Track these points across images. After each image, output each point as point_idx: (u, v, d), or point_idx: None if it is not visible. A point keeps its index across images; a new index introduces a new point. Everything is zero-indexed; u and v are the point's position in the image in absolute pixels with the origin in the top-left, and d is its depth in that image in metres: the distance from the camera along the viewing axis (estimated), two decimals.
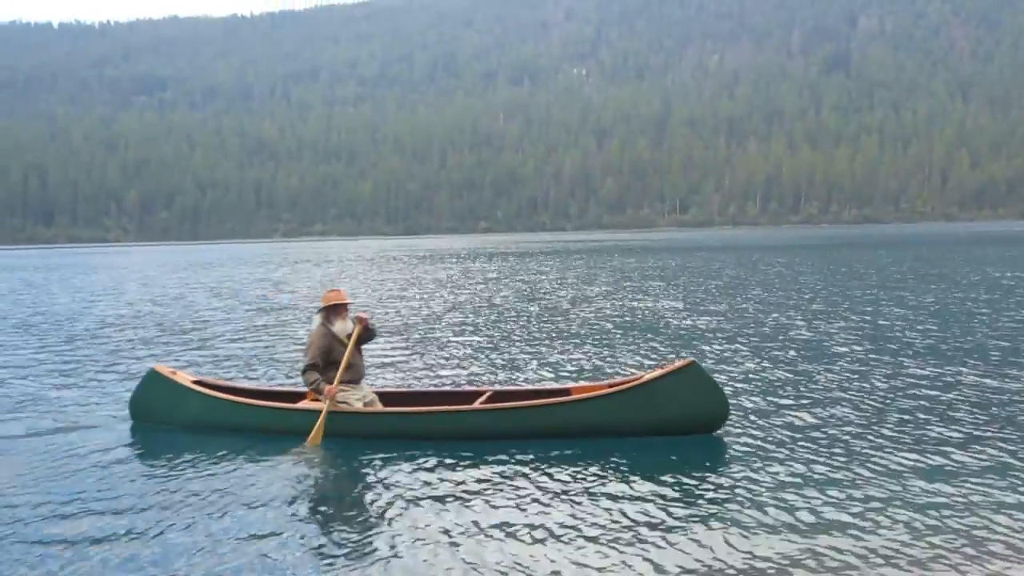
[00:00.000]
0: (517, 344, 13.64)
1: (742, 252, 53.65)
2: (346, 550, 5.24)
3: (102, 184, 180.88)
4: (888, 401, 8.74)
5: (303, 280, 34.08)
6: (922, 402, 8.67)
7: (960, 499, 5.71)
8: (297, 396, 8.77)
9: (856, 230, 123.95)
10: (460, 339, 14.52)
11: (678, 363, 7.95)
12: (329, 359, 8.24)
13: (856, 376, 10.06)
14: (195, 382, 8.85)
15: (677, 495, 6.04)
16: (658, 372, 7.98)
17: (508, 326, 16.26)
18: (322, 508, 6.16)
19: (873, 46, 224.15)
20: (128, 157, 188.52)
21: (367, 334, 8.47)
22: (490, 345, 13.74)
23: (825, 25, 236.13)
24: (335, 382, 8.06)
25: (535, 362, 11.73)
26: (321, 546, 5.32)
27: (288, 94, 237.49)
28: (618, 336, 14.33)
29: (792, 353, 11.90)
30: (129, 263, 62.44)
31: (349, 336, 8.32)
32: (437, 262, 49.76)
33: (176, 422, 8.58)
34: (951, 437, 7.32)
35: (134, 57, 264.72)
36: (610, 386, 8.32)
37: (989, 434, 7.40)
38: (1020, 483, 5.99)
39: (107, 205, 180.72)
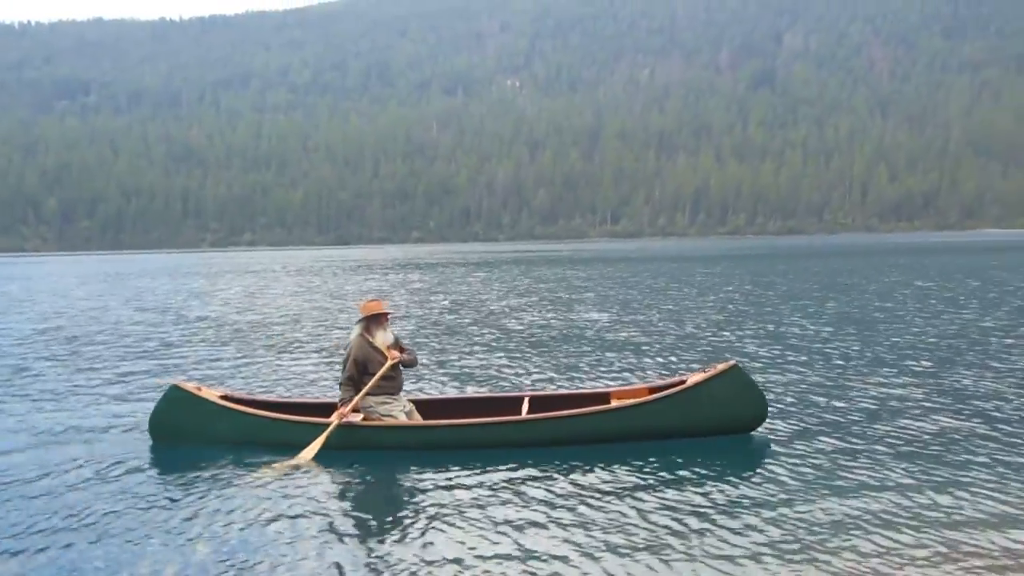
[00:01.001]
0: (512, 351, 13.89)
1: (672, 263, 54.63)
2: (389, 565, 5.18)
3: (19, 191, 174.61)
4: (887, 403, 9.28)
5: (220, 292, 33.57)
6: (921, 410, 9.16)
7: (992, 506, 5.78)
8: (329, 409, 8.50)
9: (781, 241, 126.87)
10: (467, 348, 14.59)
11: (721, 366, 8.13)
12: (367, 371, 8.15)
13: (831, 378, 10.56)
14: (222, 397, 8.58)
15: (732, 495, 6.19)
16: (702, 376, 8.09)
17: (468, 337, 16.52)
18: (364, 523, 6.01)
19: (798, 64, 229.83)
20: (48, 163, 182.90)
21: (407, 364, 8.43)
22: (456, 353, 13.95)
23: (752, 43, 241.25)
24: (360, 395, 8.01)
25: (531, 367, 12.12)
26: (361, 560, 5.25)
27: (217, 100, 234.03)
28: (592, 345, 14.70)
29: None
30: (45, 274, 61.09)
31: (389, 347, 8.25)
32: (372, 272, 49.69)
33: (202, 440, 8.25)
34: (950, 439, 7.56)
35: (56, 59, 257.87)
36: (651, 390, 8.49)
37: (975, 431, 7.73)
38: None
39: (25, 213, 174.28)
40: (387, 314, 8.39)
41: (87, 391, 10.77)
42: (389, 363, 8.04)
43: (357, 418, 8.01)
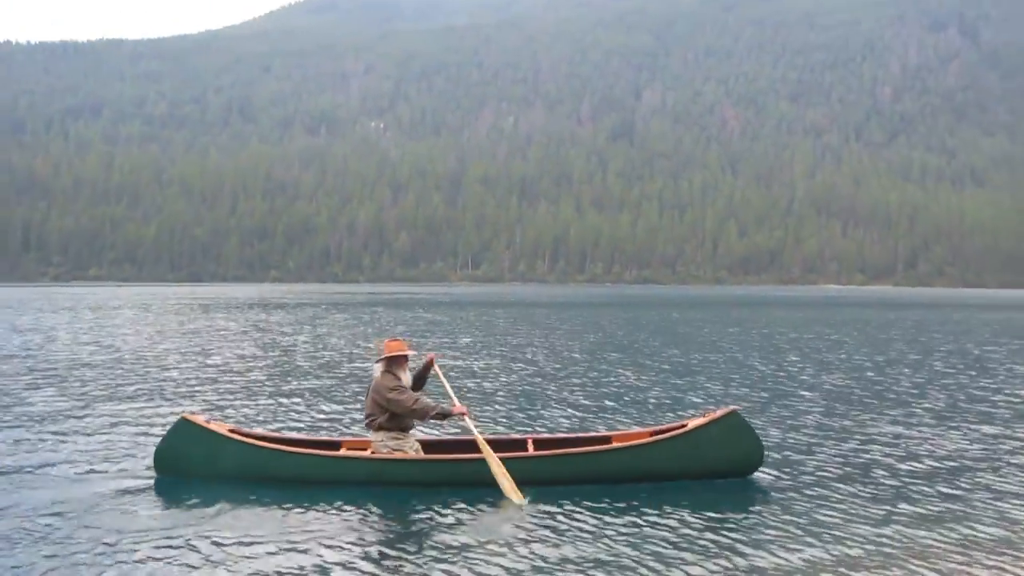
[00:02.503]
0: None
1: (526, 307, 54.98)
2: None
3: None
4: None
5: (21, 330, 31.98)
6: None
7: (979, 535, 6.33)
8: (334, 445, 8.67)
9: (636, 289, 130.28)
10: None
11: (720, 411, 8.45)
12: (387, 408, 8.23)
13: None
14: (231, 431, 8.51)
15: (730, 537, 6.46)
16: (702, 420, 8.38)
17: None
18: (381, 559, 6.10)
19: (655, 119, 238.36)
20: None
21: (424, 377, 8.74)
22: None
23: (613, 96, 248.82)
24: (457, 401, 8.34)
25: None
26: None
27: (66, 129, 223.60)
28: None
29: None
30: None
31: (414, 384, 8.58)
32: (221, 311, 48.20)
33: (212, 474, 8.18)
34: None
35: None
36: (652, 433, 8.74)
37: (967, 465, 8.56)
38: None
39: None
40: (407, 355, 8.45)
41: None
42: (436, 369, 8.70)
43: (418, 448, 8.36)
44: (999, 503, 7.53)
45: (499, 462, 7.80)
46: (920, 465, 8.98)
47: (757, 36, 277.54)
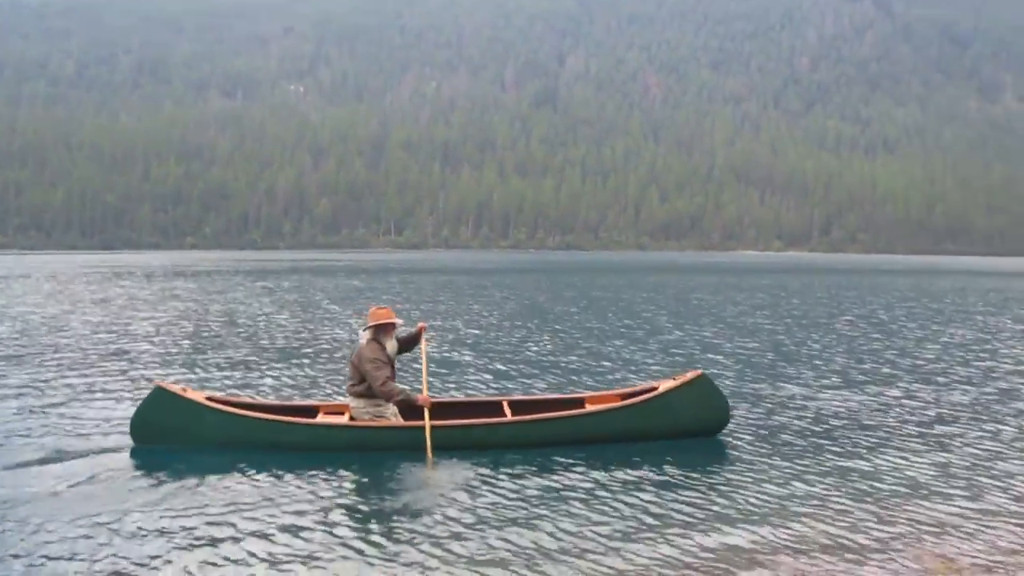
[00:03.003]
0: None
1: (452, 274, 54.71)
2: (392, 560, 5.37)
3: None
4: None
5: None
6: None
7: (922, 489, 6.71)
8: (312, 411, 8.74)
9: (560, 255, 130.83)
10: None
11: (689, 374, 8.86)
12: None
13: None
14: (208, 399, 8.51)
15: (697, 493, 6.83)
16: (673, 383, 8.80)
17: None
18: (368, 522, 6.16)
19: (578, 85, 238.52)
20: None
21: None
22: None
23: (536, 62, 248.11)
24: (425, 390, 8.34)
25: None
26: (351, 558, 5.39)
27: None
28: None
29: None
30: None
31: (397, 353, 8.60)
32: (147, 280, 46.88)
33: (189, 442, 8.16)
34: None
35: None
36: (622, 396, 9.12)
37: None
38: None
39: None
40: (395, 323, 8.47)
41: None
42: (424, 339, 8.69)
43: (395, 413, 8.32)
44: (908, 455, 7.98)
45: (431, 440, 7.87)
46: (853, 420, 9.45)
47: (679, 4, 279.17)
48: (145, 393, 8.72)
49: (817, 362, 13.87)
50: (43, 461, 7.71)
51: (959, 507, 6.28)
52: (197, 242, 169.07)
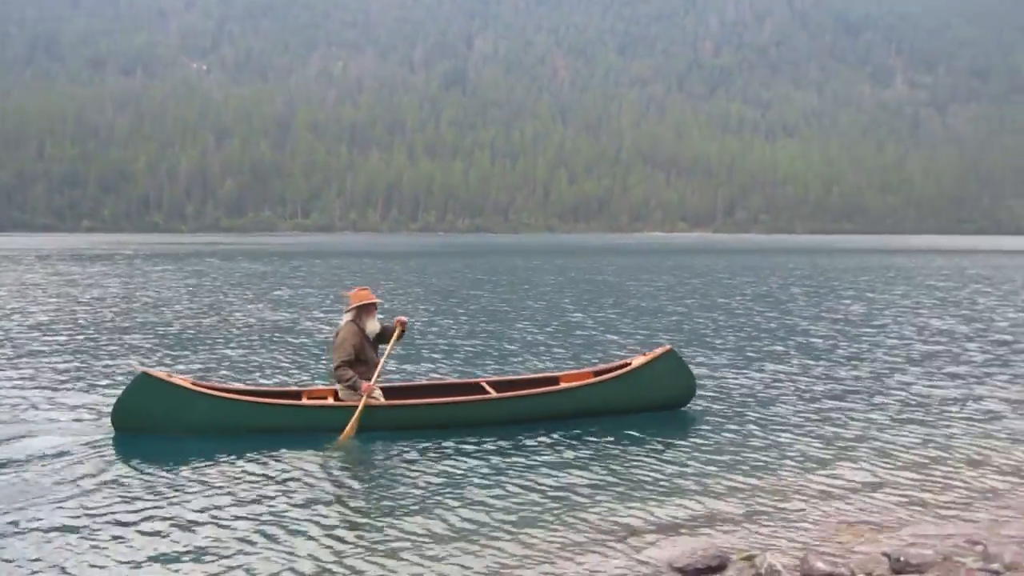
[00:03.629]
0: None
1: (360, 257, 54.63)
2: (381, 538, 5.54)
3: None
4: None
5: None
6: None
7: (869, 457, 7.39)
8: (296, 395, 8.76)
9: (470, 238, 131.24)
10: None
11: (659, 350, 9.27)
12: (360, 357, 8.36)
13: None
14: (195, 384, 8.43)
15: (669, 460, 7.32)
16: (644, 359, 9.17)
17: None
18: (356, 500, 6.32)
19: (487, 67, 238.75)
20: None
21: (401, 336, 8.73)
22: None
23: (445, 43, 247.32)
24: (373, 380, 8.25)
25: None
26: (356, 538, 5.53)
27: None
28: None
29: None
30: None
31: (377, 335, 8.59)
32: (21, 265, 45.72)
33: (174, 429, 8.02)
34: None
35: None
36: (595, 372, 9.43)
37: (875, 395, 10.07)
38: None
39: None
40: (376, 303, 8.60)
41: None
42: (400, 329, 8.60)
43: (379, 396, 8.47)
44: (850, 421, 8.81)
45: (356, 420, 7.97)
46: (781, 395, 10.23)
47: None
48: (106, 380, 8.68)
49: (774, 340, 14.76)
50: (24, 442, 7.71)
51: (844, 475, 6.88)
52: (95, 225, 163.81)
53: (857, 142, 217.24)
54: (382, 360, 8.54)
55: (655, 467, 7.11)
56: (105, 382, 10.55)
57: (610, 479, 6.77)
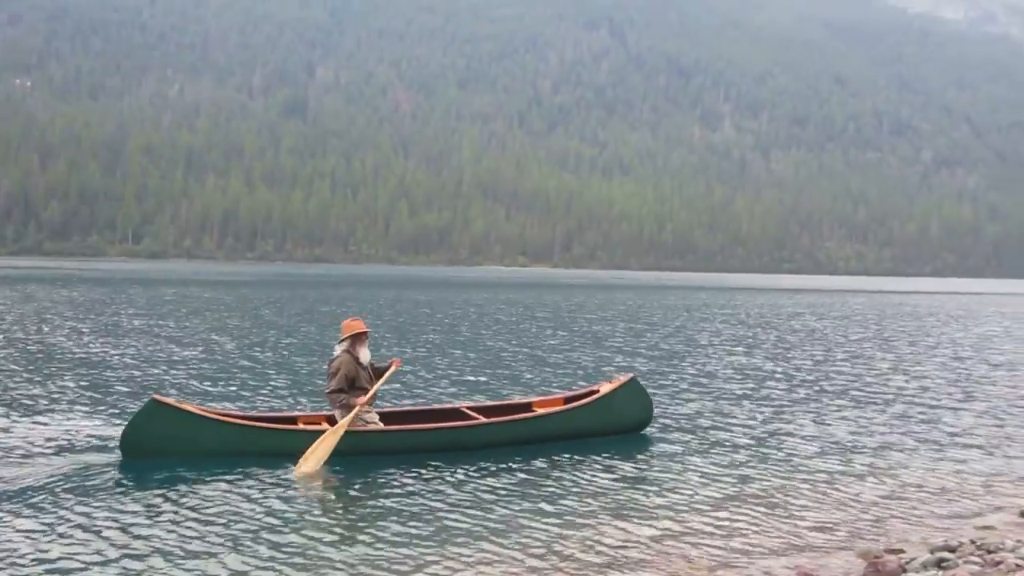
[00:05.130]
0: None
1: (188, 286, 53.62)
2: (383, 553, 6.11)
3: None
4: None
5: None
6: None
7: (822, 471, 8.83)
8: (292, 420, 9.29)
9: (310, 268, 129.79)
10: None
11: (623, 378, 10.31)
12: (355, 384, 8.98)
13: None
14: (202, 410, 8.89)
15: (633, 481, 8.37)
16: (611, 386, 10.15)
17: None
18: (352, 521, 6.91)
19: (329, 97, 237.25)
20: None
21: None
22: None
23: (286, 70, 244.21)
24: (362, 404, 8.89)
25: None
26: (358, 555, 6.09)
27: None
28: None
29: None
30: None
31: (370, 364, 9.21)
32: None
33: (182, 453, 8.39)
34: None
35: None
36: (565, 399, 10.28)
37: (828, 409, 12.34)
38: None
39: None
40: (367, 332, 9.25)
41: None
42: (395, 367, 9.37)
43: (376, 421, 9.14)
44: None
45: (328, 445, 8.45)
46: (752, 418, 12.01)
47: (428, 22, 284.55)
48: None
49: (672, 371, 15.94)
50: (31, 468, 8.03)
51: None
52: None
53: (688, 182, 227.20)
54: (375, 387, 9.08)
55: (630, 488, 8.15)
56: None
57: (593, 501, 7.70)
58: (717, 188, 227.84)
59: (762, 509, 7.57)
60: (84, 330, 22.96)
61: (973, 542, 6.62)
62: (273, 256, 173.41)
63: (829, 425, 11.30)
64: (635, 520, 7.24)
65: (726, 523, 7.19)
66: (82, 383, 13.98)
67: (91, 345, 19.38)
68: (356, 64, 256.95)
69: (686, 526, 7.11)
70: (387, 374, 9.32)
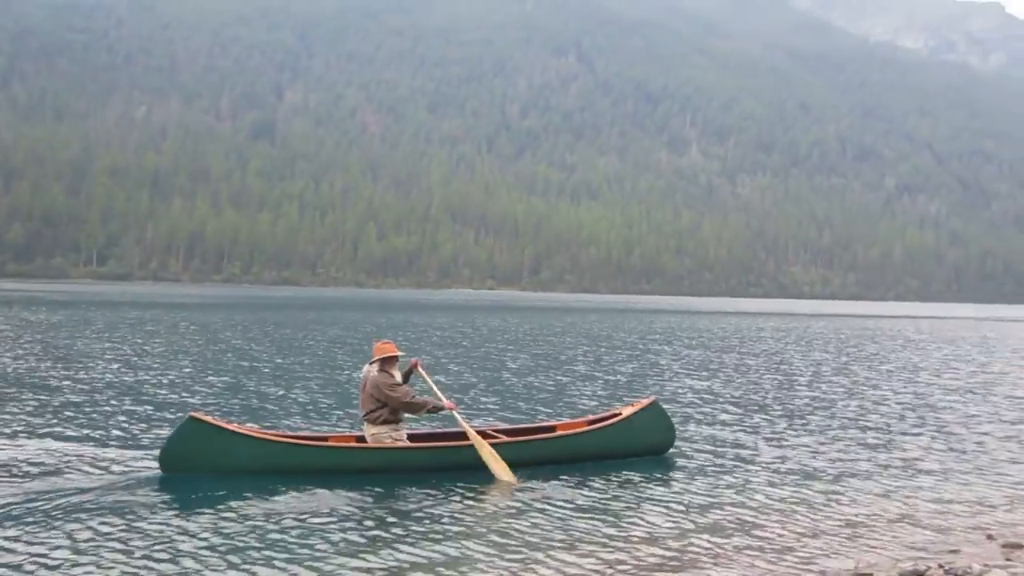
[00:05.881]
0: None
1: (153, 308, 53.21)
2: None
3: None
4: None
5: None
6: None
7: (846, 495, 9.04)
8: (323, 439, 9.53)
9: (279, 291, 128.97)
10: None
11: (644, 401, 10.47)
12: (386, 404, 9.19)
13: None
14: (240, 428, 9.14)
15: (655, 504, 8.46)
16: (634, 408, 10.31)
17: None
18: (387, 536, 7.13)
19: (297, 119, 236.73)
20: None
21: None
22: None
23: (254, 93, 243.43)
24: (451, 406, 9.40)
25: None
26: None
27: None
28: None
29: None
30: None
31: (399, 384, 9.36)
32: None
33: (221, 469, 8.59)
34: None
35: None
36: (588, 422, 10.43)
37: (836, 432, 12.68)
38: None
39: None
40: (397, 356, 9.44)
41: None
42: (420, 370, 9.79)
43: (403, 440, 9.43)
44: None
45: (490, 449, 8.94)
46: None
47: (398, 46, 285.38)
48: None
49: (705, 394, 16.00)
50: (72, 484, 8.21)
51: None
52: None
53: (656, 206, 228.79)
54: (433, 385, 9.71)
55: (656, 510, 8.33)
56: None
57: (626, 522, 7.90)
58: (684, 212, 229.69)
59: (723, 537, 7.62)
60: (97, 352, 22.71)
61: (941, 566, 6.73)
62: (240, 279, 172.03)
63: (792, 450, 11.48)
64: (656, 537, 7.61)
65: (680, 552, 7.27)
66: (97, 405, 13.83)
67: (105, 368, 19.19)
68: (325, 87, 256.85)
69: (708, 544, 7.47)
70: (425, 376, 9.89)
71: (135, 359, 20.25)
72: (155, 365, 19.09)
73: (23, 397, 13.97)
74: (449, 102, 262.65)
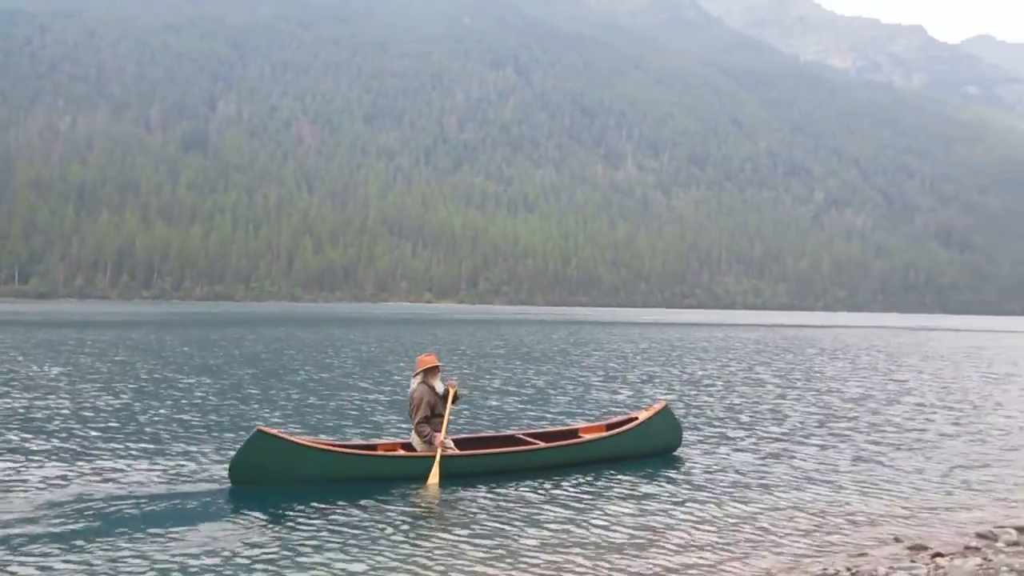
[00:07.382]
0: None
1: (83, 327, 51.12)
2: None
3: None
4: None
5: None
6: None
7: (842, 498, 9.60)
8: (372, 447, 10.17)
9: (210, 307, 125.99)
10: None
11: (657, 405, 11.63)
12: (435, 412, 9.98)
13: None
14: (302, 439, 9.69)
15: (668, 499, 9.32)
16: (647, 413, 11.41)
17: None
18: (440, 537, 7.70)
19: (230, 131, 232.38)
20: None
21: (458, 397, 10.27)
22: None
23: (185, 103, 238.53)
24: (443, 431, 9.91)
25: None
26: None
27: None
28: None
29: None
30: None
31: (444, 394, 10.08)
32: None
33: (287, 480, 9.14)
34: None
35: None
36: (606, 426, 11.53)
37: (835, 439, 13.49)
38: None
39: None
40: (439, 366, 10.14)
41: None
42: (453, 390, 10.14)
43: (452, 446, 10.07)
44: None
45: (438, 467, 9.53)
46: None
47: (334, 56, 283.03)
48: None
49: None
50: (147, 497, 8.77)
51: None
52: None
53: (592, 219, 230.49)
54: (447, 415, 10.08)
55: (672, 503, 9.15)
56: None
57: (651, 519, 8.56)
58: (620, 225, 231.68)
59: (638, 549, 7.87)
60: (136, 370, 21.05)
61: (849, 569, 7.00)
62: (170, 294, 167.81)
63: (710, 458, 11.82)
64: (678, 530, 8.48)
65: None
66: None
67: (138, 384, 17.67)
68: (259, 98, 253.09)
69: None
70: (449, 401, 10.23)
71: (54, 383, 18.81)
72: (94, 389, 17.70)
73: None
74: (386, 114, 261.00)
